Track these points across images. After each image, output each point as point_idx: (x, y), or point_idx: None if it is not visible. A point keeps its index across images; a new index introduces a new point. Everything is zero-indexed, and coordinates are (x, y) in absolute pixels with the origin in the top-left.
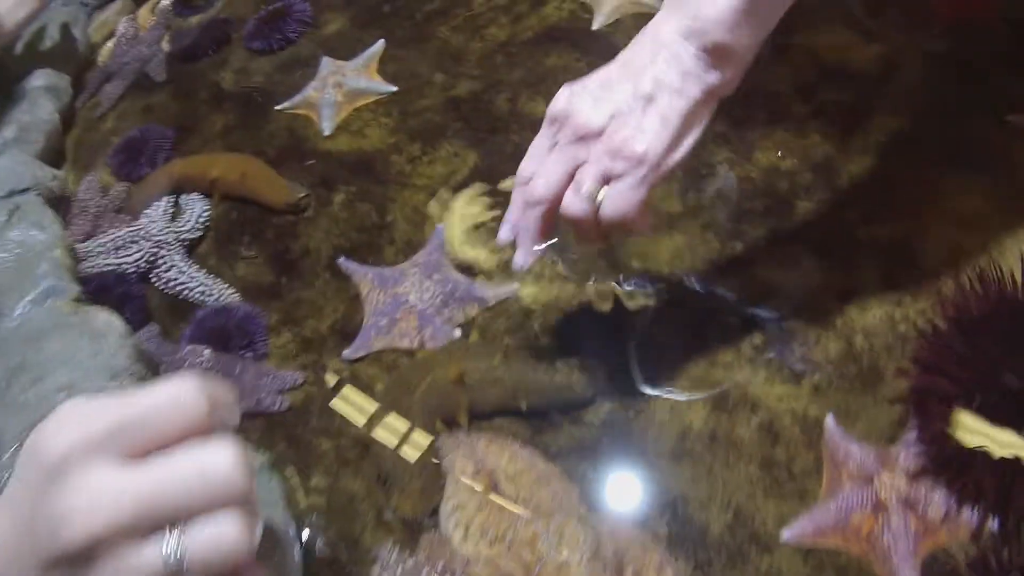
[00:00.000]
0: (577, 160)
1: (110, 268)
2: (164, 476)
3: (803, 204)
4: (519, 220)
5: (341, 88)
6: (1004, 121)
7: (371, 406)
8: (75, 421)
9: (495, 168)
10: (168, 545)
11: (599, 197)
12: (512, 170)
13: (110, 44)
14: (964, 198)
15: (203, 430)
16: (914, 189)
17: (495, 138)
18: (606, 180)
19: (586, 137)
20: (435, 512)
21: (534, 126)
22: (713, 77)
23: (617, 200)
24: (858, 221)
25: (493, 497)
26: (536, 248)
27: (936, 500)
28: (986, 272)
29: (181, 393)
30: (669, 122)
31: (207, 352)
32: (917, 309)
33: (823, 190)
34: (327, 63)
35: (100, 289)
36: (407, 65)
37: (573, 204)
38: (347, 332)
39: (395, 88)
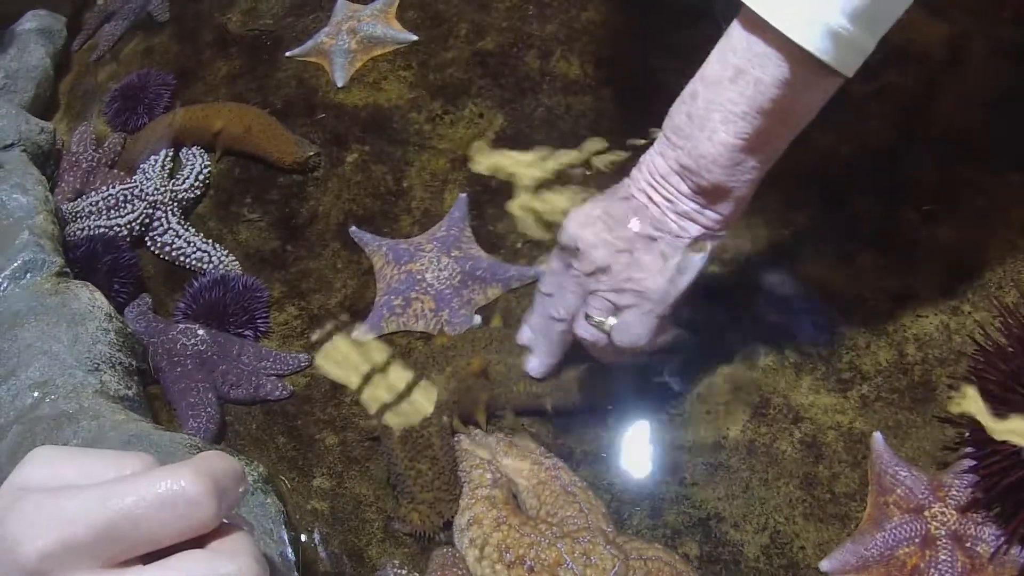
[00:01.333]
0: (587, 289)
1: (101, 231)
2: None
3: (860, 196)
4: (539, 329)
5: (356, 35)
6: None
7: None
8: (55, 522)
9: (522, 134)
10: None
11: (607, 325)
12: (541, 137)
13: None
14: None
15: (207, 529)
16: (979, 190)
17: (524, 100)
18: (615, 310)
19: (595, 272)
20: (449, 524)
21: (565, 89)
22: (709, 217)
23: (626, 330)
24: (918, 219)
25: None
26: (550, 361)
27: (986, 536)
28: None
29: (182, 492)
30: (669, 260)
31: (201, 332)
32: (976, 320)
33: (882, 181)
34: (342, 6)
35: (88, 256)
36: (430, 12)
37: (584, 331)
38: (357, 310)
39: (416, 37)
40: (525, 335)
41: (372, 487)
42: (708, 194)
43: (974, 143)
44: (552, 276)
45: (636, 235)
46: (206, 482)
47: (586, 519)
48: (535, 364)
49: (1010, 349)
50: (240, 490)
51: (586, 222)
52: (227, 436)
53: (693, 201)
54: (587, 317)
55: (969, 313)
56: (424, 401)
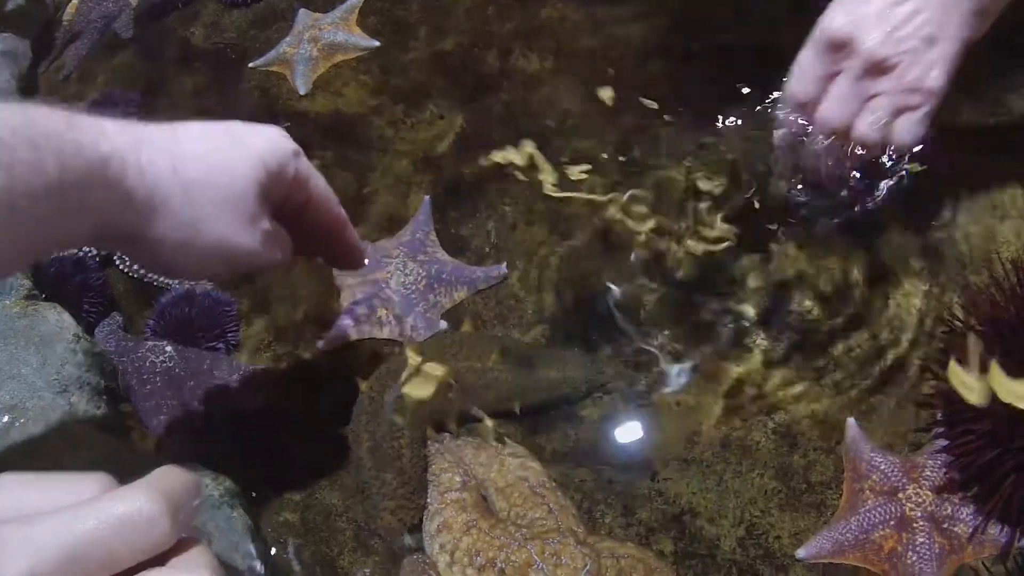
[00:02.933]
0: (869, 92)
1: (69, 252)
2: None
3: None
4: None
5: (318, 43)
6: None
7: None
8: (23, 552)
9: (482, 134)
10: None
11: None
12: (500, 134)
13: (75, 1)
14: (1003, 183)
15: (166, 546)
16: (950, 172)
17: (484, 99)
18: (898, 112)
19: (874, 69)
20: (418, 527)
21: (526, 85)
22: (976, 29)
23: (915, 130)
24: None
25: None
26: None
27: (964, 516)
28: (1019, 263)
29: (139, 512)
30: (948, 64)
31: (168, 349)
32: (947, 302)
33: None
34: (303, 15)
35: (58, 277)
36: (391, 17)
37: (870, 134)
38: (324, 320)
39: (377, 43)
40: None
41: (343, 496)
42: (980, 13)
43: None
44: (809, 74)
45: (917, 34)
46: (160, 500)
47: (556, 520)
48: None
49: (982, 332)
50: (195, 503)
51: (859, 11)
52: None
53: (972, 14)
54: (870, 119)
55: (941, 295)
56: (395, 411)
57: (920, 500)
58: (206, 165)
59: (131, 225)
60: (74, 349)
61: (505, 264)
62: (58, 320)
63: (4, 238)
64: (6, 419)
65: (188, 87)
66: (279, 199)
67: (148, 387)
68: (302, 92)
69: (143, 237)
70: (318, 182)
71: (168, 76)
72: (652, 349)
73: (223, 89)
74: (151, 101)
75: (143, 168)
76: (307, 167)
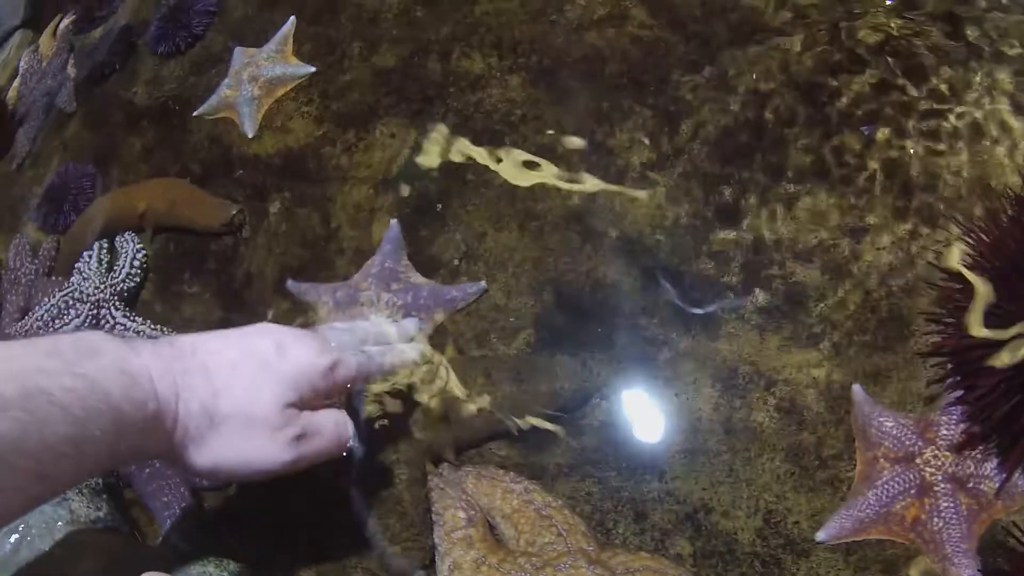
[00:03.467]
0: None
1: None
2: None
3: (793, 132)
4: None
5: (257, 80)
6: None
7: None
8: None
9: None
10: None
11: None
12: (455, 142)
13: (16, 84)
14: (981, 103)
15: None
16: (920, 97)
17: (433, 108)
18: None
19: None
20: (431, 566)
21: (473, 86)
22: None
23: None
24: (860, 143)
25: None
26: None
27: (988, 471)
28: (1015, 191)
29: None
30: None
31: None
32: (937, 239)
33: (815, 111)
34: (238, 54)
35: None
36: (322, 40)
37: None
38: None
39: (313, 68)
40: None
41: (356, 545)
42: None
43: (906, 50)
44: None
45: None
46: None
47: (565, 542)
48: None
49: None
50: None
51: None
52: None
53: None
54: None
55: (928, 234)
56: (391, 453)
57: (939, 462)
58: (234, 399)
59: (166, 455)
60: None
61: (484, 281)
62: None
63: (68, 467)
64: (14, 539)
65: (138, 148)
66: (318, 404)
67: (147, 470)
68: (250, 135)
69: (177, 462)
70: (367, 370)
71: (117, 141)
72: (641, 339)
73: (173, 145)
74: (105, 170)
75: (180, 417)
76: (346, 373)
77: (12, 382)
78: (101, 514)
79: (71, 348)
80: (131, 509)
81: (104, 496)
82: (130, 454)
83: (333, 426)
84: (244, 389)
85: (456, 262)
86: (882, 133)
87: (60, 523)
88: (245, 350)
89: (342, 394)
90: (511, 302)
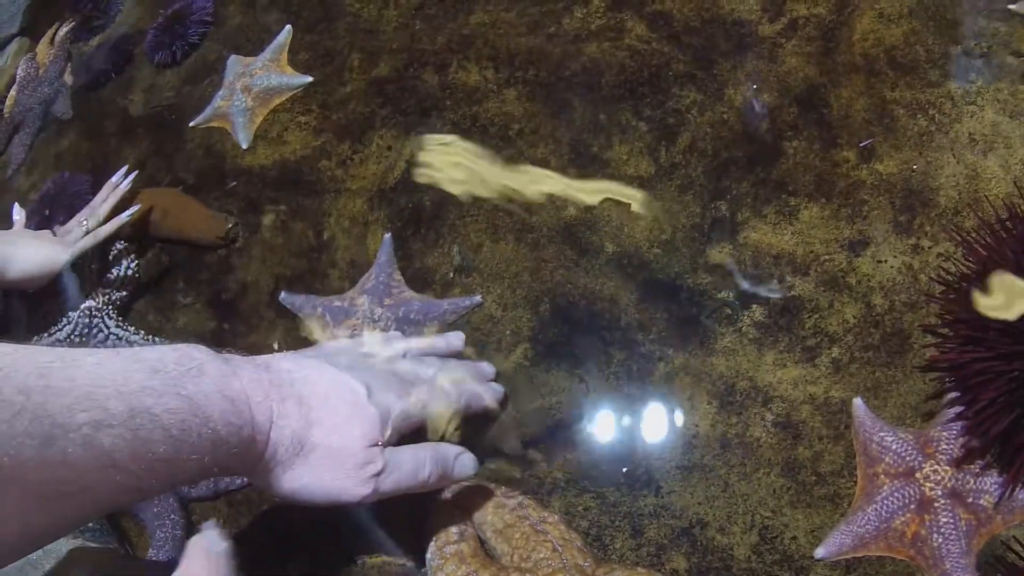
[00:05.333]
0: None
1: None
2: None
3: (791, 145)
4: None
5: (251, 91)
6: (1007, 9)
7: None
8: None
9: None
10: None
11: None
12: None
13: (13, 92)
14: (976, 113)
15: None
16: (917, 110)
17: (429, 120)
18: None
19: None
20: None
21: (469, 98)
22: None
23: None
24: (857, 157)
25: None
26: None
27: (988, 485)
28: (1012, 201)
29: None
30: None
31: None
32: (939, 253)
33: (811, 125)
34: (233, 63)
35: None
36: (319, 50)
37: None
38: None
39: (310, 79)
40: None
41: (351, 557)
42: None
43: (903, 59)
44: None
45: None
46: None
47: (560, 558)
48: None
49: (976, 279)
50: None
51: None
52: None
53: None
54: None
55: (930, 248)
56: None
57: (939, 477)
58: (325, 432)
59: (250, 473)
60: None
61: (479, 295)
62: None
63: (161, 481)
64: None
65: (133, 157)
66: (408, 435)
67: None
68: (244, 146)
69: (262, 481)
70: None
71: (112, 150)
72: (637, 354)
73: (167, 154)
74: (100, 178)
75: (271, 442)
76: (423, 417)
77: (119, 399)
78: (91, 524)
79: (176, 366)
80: (121, 520)
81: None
82: (219, 471)
83: (411, 463)
84: (335, 424)
85: (450, 275)
86: (880, 146)
87: (61, 542)
88: (339, 387)
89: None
90: (507, 314)
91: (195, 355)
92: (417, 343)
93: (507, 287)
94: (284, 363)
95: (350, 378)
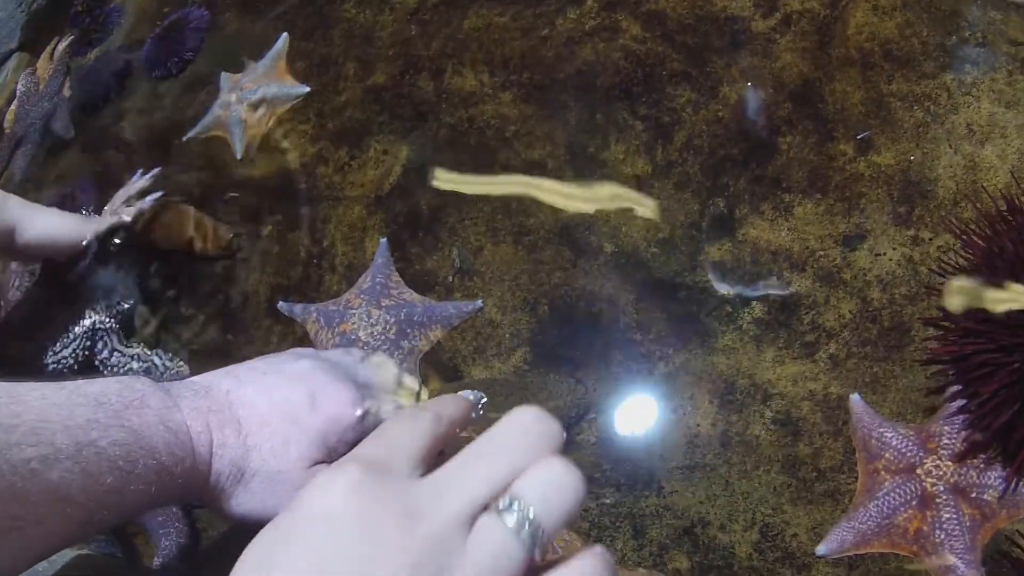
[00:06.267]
0: None
1: (49, 367)
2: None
3: (787, 141)
4: None
5: (247, 101)
6: (1010, 2)
7: None
8: None
9: (429, 160)
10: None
11: None
12: (449, 158)
13: (14, 107)
14: (973, 103)
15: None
16: (913, 101)
17: (425, 125)
18: None
19: None
20: None
21: (465, 102)
22: None
23: None
24: (853, 150)
25: None
26: None
27: (991, 480)
28: (1010, 192)
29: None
30: None
31: None
32: (938, 245)
33: (807, 120)
34: (226, 77)
35: None
36: (316, 58)
37: None
38: None
39: (308, 88)
40: None
41: None
42: None
43: (898, 51)
44: None
45: None
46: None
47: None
48: None
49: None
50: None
51: None
52: (202, 543)
53: None
54: None
55: (930, 240)
56: None
57: (941, 472)
58: (262, 457)
59: (198, 501)
60: None
61: (481, 300)
62: None
63: (110, 514)
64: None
65: (133, 170)
66: (346, 450)
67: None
68: (239, 156)
69: (212, 507)
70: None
71: (113, 162)
72: (637, 354)
73: (169, 166)
74: (101, 192)
75: (212, 470)
76: (376, 421)
77: (65, 434)
78: (102, 537)
79: (118, 399)
80: (127, 528)
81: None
82: (165, 500)
83: None
84: (272, 448)
85: (451, 278)
86: (877, 137)
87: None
88: (278, 405)
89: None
90: (507, 317)
91: (136, 386)
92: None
93: (507, 289)
94: (225, 382)
95: (291, 392)
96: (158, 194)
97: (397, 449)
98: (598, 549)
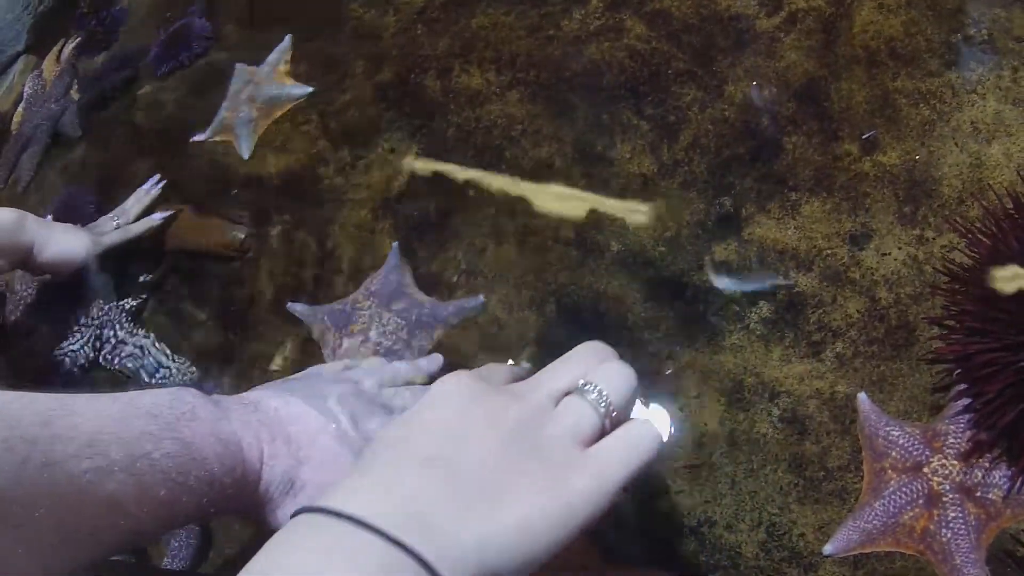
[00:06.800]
0: None
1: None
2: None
3: (792, 140)
4: None
5: (255, 102)
6: None
7: None
8: None
9: (438, 157)
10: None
11: None
12: (458, 157)
13: (21, 109)
14: (978, 101)
15: None
16: (919, 99)
17: (433, 123)
18: None
19: None
20: None
21: (472, 101)
22: None
23: None
24: (859, 150)
25: None
26: None
27: (997, 479)
28: (1016, 190)
29: None
30: None
31: None
32: (943, 244)
33: (812, 119)
34: (239, 72)
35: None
36: (321, 58)
37: None
38: None
39: (311, 89)
40: None
41: None
42: None
43: (903, 49)
44: None
45: None
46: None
47: (565, 561)
48: None
49: (983, 272)
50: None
51: None
52: (214, 545)
53: None
54: None
55: (934, 239)
56: None
57: (947, 471)
58: (313, 469)
59: (245, 511)
60: None
61: (482, 296)
62: None
63: (160, 524)
64: None
65: (142, 172)
66: None
67: None
68: (246, 156)
69: (258, 518)
70: None
71: (119, 164)
72: (645, 353)
73: (175, 167)
74: (108, 194)
75: (263, 481)
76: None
77: (120, 446)
78: None
79: (170, 410)
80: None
81: None
82: (217, 510)
83: None
84: (322, 461)
85: (455, 278)
86: (882, 136)
87: None
88: (326, 423)
89: None
90: (513, 317)
91: (187, 398)
92: (405, 369)
93: (512, 288)
94: (272, 401)
95: (337, 412)
96: (168, 213)
97: (491, 373)
98: (643, 419)
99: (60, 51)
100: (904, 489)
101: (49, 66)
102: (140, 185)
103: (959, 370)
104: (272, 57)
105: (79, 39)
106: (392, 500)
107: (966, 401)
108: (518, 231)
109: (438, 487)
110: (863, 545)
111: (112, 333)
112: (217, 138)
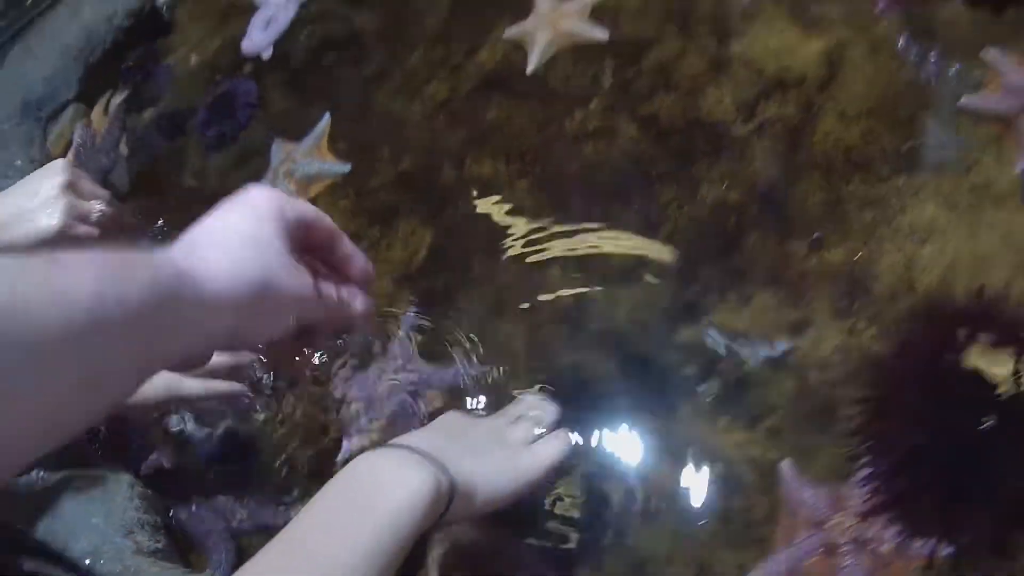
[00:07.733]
0: None
1: None
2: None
3: (752, 238)
4: None
5: (293, 177)
6: (958, 108)
7: None
8: None
9: (453, 245)
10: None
11: None
12: (468, 242)
13: (70, 157)
14: (918, 205)
15: None
16: (865, 203)
17: (447, 211)
18: None
19: None
20: None
21: (482, 189)
22: None
23: None
24: (805, 249)
25: None
26: None
27: (887, 536)
28: (934, 293)
29: None
30: None
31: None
32: (871, 336)
33: (771, 220)
34: (277, 149)
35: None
36: (356, 138)
37: None
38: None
39: (348, 167)
40: None
41: None
42: None
43: (858, 156)
44: None
45: None
46: None
47: None
48: None
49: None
50: None
51: None
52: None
53: None
54: None
55: (863, 330)
56: None
57: (845, 527)
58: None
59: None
60: (130, 496)
61: (461, 368)
62: (114, 475)
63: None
64: (88, 562)
65: None
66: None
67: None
68: None
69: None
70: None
71: (166, 230)
72: (616, 419)
73: None
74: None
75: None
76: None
77: None
78: (160, 546)
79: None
80: (181, 541)
81: (162, 532)
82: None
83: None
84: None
85: (453, 347)
86: (829, 238)
87: (127, 551)
88: (221, 228)
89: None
90: (510, 383)
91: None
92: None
93: (508, 359)
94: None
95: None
96: None
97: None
98: (562, 432)
99: (108, 103)
100: (809, 540)
101: (97, 117)
102: None
103: (870, 443)
104: (313, 133)
105: (127, 93)
106: (426, 444)
107: (871, 470)
108: (516, 309)
109: (450, 445)
110: None
111: None
112: None
